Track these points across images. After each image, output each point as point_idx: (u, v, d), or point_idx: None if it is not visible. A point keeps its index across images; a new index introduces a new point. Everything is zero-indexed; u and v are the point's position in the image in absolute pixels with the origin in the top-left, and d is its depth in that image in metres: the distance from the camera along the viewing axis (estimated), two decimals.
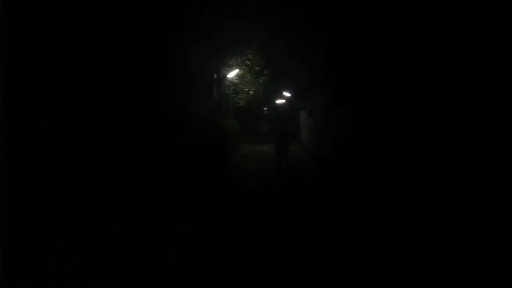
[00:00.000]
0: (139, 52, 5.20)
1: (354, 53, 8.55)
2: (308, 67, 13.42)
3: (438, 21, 5.13)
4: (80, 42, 3.48)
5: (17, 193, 1.98)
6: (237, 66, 16.42)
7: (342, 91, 9.97)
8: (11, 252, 1.86)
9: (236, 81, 17.34)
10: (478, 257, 3.70)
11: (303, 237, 4.73)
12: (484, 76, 4.15)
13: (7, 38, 2.03)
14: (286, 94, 23.31)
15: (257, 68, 17.61)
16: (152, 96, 5.75)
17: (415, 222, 4.84)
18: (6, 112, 2.05)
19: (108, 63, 4.20)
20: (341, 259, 3.95)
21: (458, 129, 4.59)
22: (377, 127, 7.29)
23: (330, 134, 11.58)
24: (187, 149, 7.65)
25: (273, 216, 5.79)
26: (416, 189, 5.30)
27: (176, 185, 6.65)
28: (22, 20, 2.25)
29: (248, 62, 17.02)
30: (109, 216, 3.77)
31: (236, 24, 11.73)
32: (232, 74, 16.29)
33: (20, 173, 2.05)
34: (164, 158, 6.12)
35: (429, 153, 5.14)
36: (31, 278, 1.98)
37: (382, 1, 6.90)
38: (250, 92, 18.38)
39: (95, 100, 3.81)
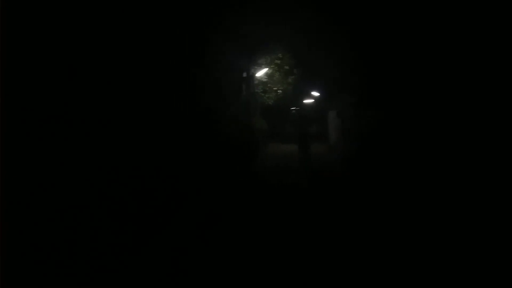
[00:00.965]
0: (169, 51, 5.28)
1: (387, 54, 8.36)
2: (338, 67, 13.25)
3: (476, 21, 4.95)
4: (107, 39, 3.54)
5: (17, 193, 1.99)
6: (266, 65, 16.41)
7: (373, 92, 9.78)
8: (11, 252, 1.87)
9: (265, 80, 17.34)
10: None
11: (324, 239, 4.68)
12: None
13: (8, 38, 1.99)
14: (315, 94, 23.09)
15: (286, 67, 17.53)
16: (181, 95, 5.84)
17: (448, 224, 4.70)
18: (16, 112, 2.05)
19: (140, 62, 4.28)
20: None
21: (492, 130, 4.42)
22: (408, 129, 7.11)
23: (359, 135, 11.39)
24: (215, 148, 7.73)
25: (297, 216, 5.77)
26: (448, 192, 5.14)
27: (204, 184, 6.74)
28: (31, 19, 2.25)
29: (277, 61, 16.97)
30: (130, 216, 3.83)
31: (266, 23, 11.72)
32: (261, 73, 16.30)
33: (21, 172, 2.03)
34: (192, 157, 6.21)
35: (464, 156, 4.97)
36: (31, 278, 1.99)
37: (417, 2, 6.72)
38: (279, 91, 18.32)
39: (126, 100, 3.89)
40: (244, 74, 13.83)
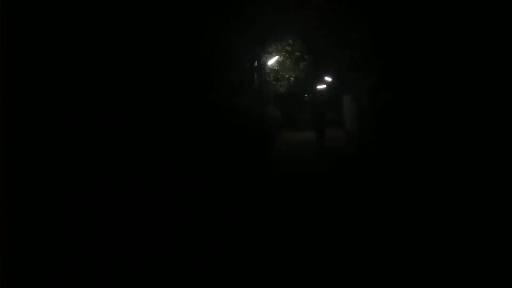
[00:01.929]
0: (178, 41, 5.19)
1: (403, 31, 8.05)
2: (351, 49, 12.93)
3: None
4: (118, 28, 3.46)
5: (19, 193, 1.96)
6: (277, 53, 16.18)
7: (389, 73, 9.50)
8: (11, 252, 1.86)
9: (276, 68, 17.13)
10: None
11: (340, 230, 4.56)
12: None
13: (9, 38, 1.95)
14: (328, 79, 22.75)
15: (298, 54, 17.27)
16: (193, 87, 5.75)
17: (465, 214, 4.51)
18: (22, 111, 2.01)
19: (150, 51, 4.20)
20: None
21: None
22: (426, 113, 6.86)
23: (375, 119, 11.14)
24: (229, 138, 7.66)
25: (316, 204, 5.66)
26: (468, 181, 4.93)
27: (220, 175, 6.68)
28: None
29: (288, 48, 16.72)
30: (144, 211, 3.78)
31: (275, 9, 11.48)
32: (272, 61, 16.08)
33: (22, 172, 2.00)
34: (207, 149, 6.15)
35: (485, 144, 4.75)
36: (31, 278, 1.98)
37: None
38: (291, 78, 18.11)
39: (137, 94, 3.83)
40: (255, 63, 13.66)
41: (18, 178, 1.97)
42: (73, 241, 2.28)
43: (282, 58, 16.75)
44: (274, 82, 17.75)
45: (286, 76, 17.85)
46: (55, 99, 2.44)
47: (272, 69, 16.96)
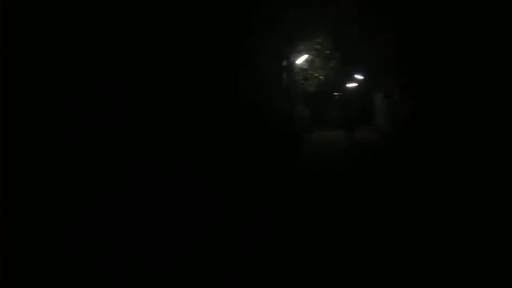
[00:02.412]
0: (207, 41, 5.20)
1: (438, 28, 7.74)
2: (382, 46, 12.59)
3: None
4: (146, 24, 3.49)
5: (19, 193, 1.95)
6: (306, 51, 16.00)
7: (422, 71, 9.16)
8: (11, 252, 1.85)
9: (305, 67, 16.96)
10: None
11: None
12: None
13: (9, 37, 1.92)
14: (359, 77, 22.29)
15: (327, 52, 17.03)
16: (222, 88, 5.76)
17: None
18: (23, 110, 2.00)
19: (181, 51, 4.22)
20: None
21: None
22: (460, 110, 6.56)
23: (407, 117, 10.79)
24: (259, 138, 7.63)
25: (346, 204, 5.52)
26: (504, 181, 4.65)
27: (250, 175, 6.67)
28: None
29: (317, 46, 16.51)
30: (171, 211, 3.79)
31: (304, 7, 11.35)
32: (300, 60, 15.92)
33: (22, 172, 1.98)
34: (236, 150, 6.15)
35: None
36: (31, 278, 1.96)
37: None
38: (320, 77, 17.88)
39: (165, 92, 3.85)
40: (284, 62, 13.57)
41: (18, 178, 1.95)
42: (73, 241, 2.24)
43: (311, 56, 16.56)
44: (303, 81, 17.59)
45: (315, 75, 17.64)
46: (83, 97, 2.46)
47: (301, 68, 16.80)
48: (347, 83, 23.41)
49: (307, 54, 16.09)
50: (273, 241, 4.23)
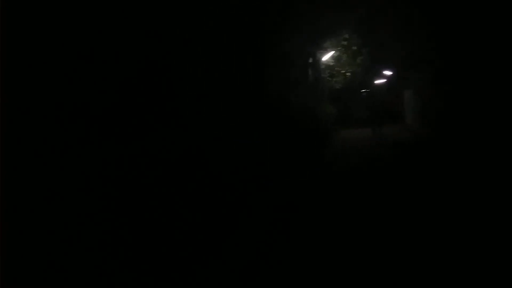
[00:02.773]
0: (235, 39, 5.22)
1: (470, 23, 7.46)
2: (412, 41, 12.25)
3: None
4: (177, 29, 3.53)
5: (19, 193, 1.95)
6: (332, 48, 15.78)
7: (453, 67, 8.86)
8: (11, 252, 1.85)
9: (331, 64, 16.74)
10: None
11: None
12: None
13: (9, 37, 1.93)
14: (387, 73, 21.77)
15: (354, 48, 16.74)
16: (249, 85, 5.78)
17: None
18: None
19: (208, 49, 4.25)
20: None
21: None
22: (492, 105, 6.30)
23: (439, 113, 10.46)
24: (285, 135, 7.61)
25: (375, 203, 5.43)
26: None
27: (277, 174, 6.67)
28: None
29: (344, 42, 16.25)
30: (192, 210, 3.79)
31: (329, 3, 11.19)
32: (327, 56, 15.72)
33: (22, 171, 1.98)
34: (263, 148, 6.16)
35: None
36: (31, 278, 1.96)
37: None
38: (347, 74, 17.61)
39: (191, 90, 3.89)
40: (310, 59, 13.45)
41: (18, 178, 1.94)
42: (73, 241, 2.23)
43: (337, 53, 16.33)
44: (329, 78, 17.38)
45: (342, 71, 17.39)
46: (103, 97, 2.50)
47: (328, 65, 16.60)
48: (374, 80, 22.92)
49: (334, 50, 15.88)
50: (302, 240, 4.22)
